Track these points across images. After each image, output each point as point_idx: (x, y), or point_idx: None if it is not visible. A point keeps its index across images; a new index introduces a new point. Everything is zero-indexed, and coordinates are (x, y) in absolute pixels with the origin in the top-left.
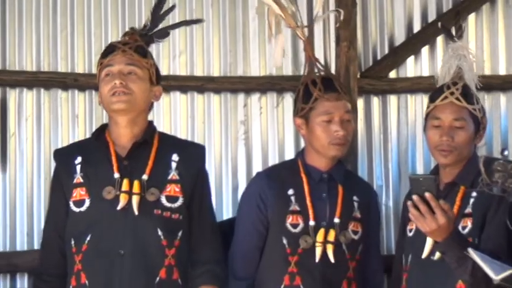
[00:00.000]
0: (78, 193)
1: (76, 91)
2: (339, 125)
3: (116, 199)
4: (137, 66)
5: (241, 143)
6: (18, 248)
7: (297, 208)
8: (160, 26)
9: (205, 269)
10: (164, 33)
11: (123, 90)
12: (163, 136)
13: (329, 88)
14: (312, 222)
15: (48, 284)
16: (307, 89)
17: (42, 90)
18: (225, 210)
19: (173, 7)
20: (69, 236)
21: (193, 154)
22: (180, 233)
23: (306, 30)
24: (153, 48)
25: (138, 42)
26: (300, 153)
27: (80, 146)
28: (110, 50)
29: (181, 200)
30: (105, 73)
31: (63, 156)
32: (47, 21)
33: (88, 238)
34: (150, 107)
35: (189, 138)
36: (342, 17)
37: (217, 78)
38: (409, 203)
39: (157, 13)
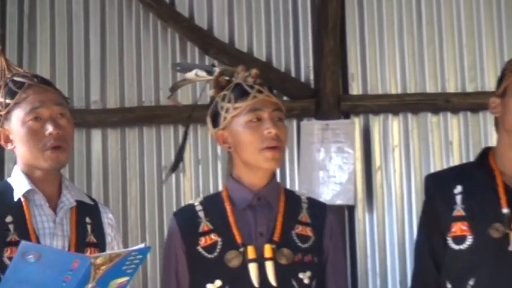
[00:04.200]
0: (459, 228)
1: (448, 114)
2: None
3: (505, 238)
4: None
5: None
6: None
7: None
8: None
9: None
10: None
11: None
12: None
13: None
14: None
15: None
16: None
17: (409, 115)
18: None
19: None
20: (443, 276)
21: None
22: None
23: None
24: None
25: None
26: None
27: (458, 172)
28: None
29: None
30: None
31: (440, 182)
32: (411, 35)
33: (472, 283)
34: None
35: None
36: None
37: None
38: None
39: None
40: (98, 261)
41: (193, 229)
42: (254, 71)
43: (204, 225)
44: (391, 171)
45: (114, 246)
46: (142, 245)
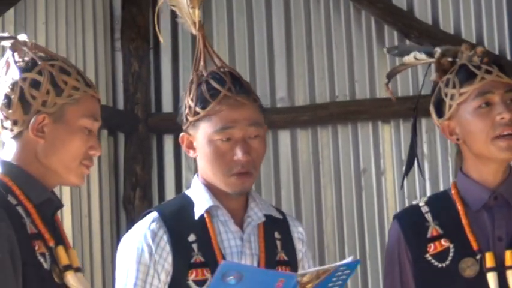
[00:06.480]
0: None
1: None
2: None
3: None
4: None
5: None
6: None
7: None
8: None
9: None
10: None
11: None
12: None
13: None
14: None
15: None
16: None
17: None
18: None
19: None
20: None
21: None
22: None
23: None
24: None
25: None
26: None
27: None
28: None
29: None
30: None
31: None
32: None
33: None
34: None
35: None
36: None
37: None
38: None
39: None
40: (305, 279)
41: (420, 234)
42: (480, 49)
43: (433, 230)
44: None
45: (304, 264)
46: (350, 259)
